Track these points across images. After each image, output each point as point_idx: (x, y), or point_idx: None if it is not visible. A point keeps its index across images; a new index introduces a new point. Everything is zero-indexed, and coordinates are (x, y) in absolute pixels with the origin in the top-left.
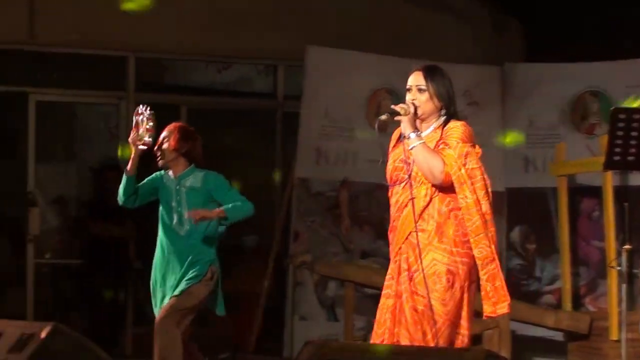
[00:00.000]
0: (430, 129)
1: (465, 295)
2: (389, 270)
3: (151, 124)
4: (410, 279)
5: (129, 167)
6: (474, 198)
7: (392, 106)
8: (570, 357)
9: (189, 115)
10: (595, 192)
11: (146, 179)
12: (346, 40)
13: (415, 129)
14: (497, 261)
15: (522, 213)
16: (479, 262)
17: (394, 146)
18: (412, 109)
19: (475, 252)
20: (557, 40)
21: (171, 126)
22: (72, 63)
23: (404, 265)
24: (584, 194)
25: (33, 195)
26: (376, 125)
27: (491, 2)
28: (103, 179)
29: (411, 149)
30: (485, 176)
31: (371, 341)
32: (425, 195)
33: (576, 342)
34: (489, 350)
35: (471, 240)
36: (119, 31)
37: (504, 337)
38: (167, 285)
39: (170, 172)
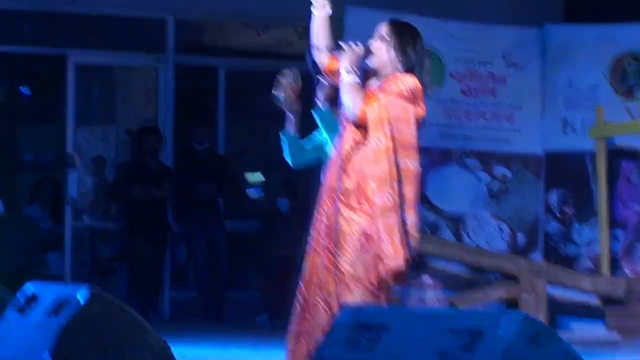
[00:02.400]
0: (380, 80)
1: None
2: (313, 225)
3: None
4: (328, 234)
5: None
6: (387, 144)
7: (341, 42)
8: (608, 322)
9: (227, 77)
10: (634, 155)
11: None
12: (384, 1)
13: (354, 67)
14: (397, 214)
15: (560, 176)
16: (377, 211)
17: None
18: (358, 50)
19: (376, 199)
20: (597, 1)
21: None
22: (111, 25)
23: (325, 221)
24: (622, 156)
25: (71, 158)
26: (306, 54)
27: None
28: (141, 142)
29: (342, 81)
30: (414, 133)
31: (298, 303)
32: (351, 139)
33: (613, 307)
34: (526, 314)
35: (373, 186)
36: None
37: (540, 301)
38: None
39: None
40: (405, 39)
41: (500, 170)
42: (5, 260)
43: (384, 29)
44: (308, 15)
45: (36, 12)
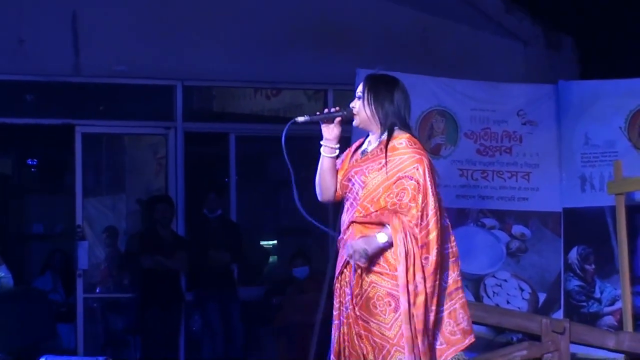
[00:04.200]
0: (375, 145)
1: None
2: (335, 295)
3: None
4: (355, 303)
5: None
6: (432, 236)
7: (326, 110)
8: None
9: (238, 142)
10: None
11: None
12: (397, 63)
13: (331, 138)
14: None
15: (579, 233)
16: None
17: (344, 160)
18: (337, 117)
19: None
20: (611, 56)
21: None
22: (118, 94)
23: (347, 290)
24: None
25: (82, 230)
26: (286, 128)
27: (544, 20)
28: (152, 211)
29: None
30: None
31: None
32: (359, 214)
33: None
34: None
35: (425, 275)
36: (165, 60)
37: None
38: None
39: None
40: (380, 92)
41: (518, 229)
42: (16, 333)
43: (360, 86)
44: (317, 78)
45: (41, 83)
